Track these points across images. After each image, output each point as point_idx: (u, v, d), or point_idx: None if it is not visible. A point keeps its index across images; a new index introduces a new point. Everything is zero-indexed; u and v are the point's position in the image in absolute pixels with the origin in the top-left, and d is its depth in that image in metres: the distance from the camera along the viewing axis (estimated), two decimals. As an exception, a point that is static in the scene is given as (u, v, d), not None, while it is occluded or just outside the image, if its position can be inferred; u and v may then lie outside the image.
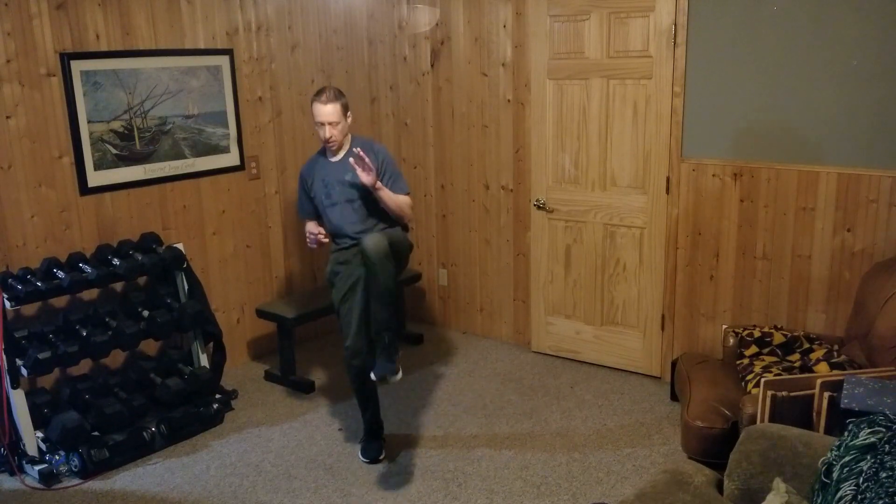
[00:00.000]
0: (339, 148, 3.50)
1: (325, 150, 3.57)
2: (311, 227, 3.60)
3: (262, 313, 4.44)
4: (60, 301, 3.75)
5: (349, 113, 3.48)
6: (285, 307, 4.43)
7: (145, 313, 3.80)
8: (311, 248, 3.65)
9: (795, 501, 2.04)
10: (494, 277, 4.90)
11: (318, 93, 3.42)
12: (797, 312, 3.78)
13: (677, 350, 4.19)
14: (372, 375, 3.28)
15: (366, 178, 3.31)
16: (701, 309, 4.09)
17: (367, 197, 3.44)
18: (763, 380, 2.71)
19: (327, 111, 3.37)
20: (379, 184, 3.36)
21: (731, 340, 3.56)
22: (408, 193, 3.56)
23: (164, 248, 3.97)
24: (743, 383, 3.25)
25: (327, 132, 3.40)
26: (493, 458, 3.54)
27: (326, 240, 3.53)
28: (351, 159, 3.34)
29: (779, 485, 2.10)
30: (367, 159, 3.29)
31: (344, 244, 3.53)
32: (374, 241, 3.19)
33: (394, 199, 3.44)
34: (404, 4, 4.89)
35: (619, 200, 4.25)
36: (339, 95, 3.42)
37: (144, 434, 3.61)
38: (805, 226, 3.68)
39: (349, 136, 3.54)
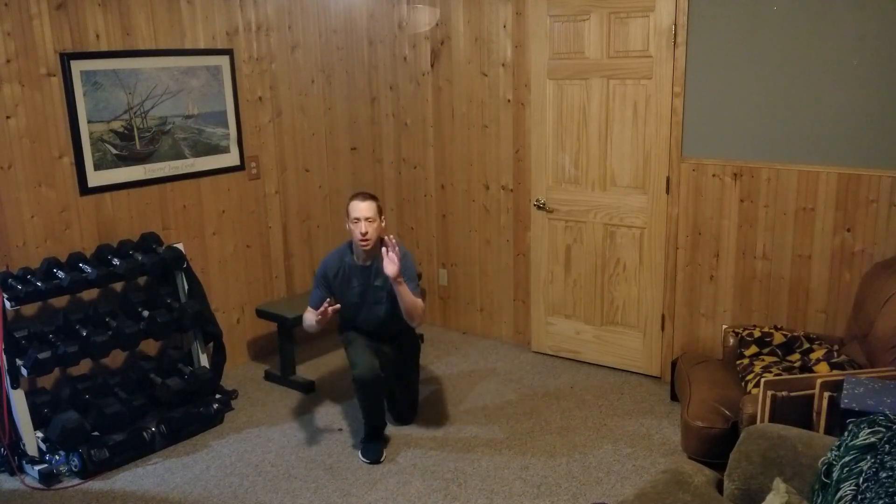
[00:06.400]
0: (371, 250, 3.56)
1: (348, 252, 3.66)
2: (312, 313, 3.53)
3: (262, 313, 4.44)
4: (60, 301, 3.74)
5: (384, 217, 3.61)
6: (285, 307, 4.43)
7: (145, 313, 3.80)
8: (311, 327, 3.59)
9: (795, 501, 2.04)
10: (494, 277, 4.90)
11: (354, 195, 3.61)
12: (797, 312, 3.78)
13: (677, 350, 4.19)
14: (362, 458, 3.54)
15: (391, 268, 3.40)
16: (701, 309, 4.09)
17: (392, 301, 3.58)
18: (763, 380, 2.71)
19: (364, 207, 3.50)
20: (400, 278, 3.46)
21: (731, 340, 3.56)
22: (420, 298, 3.64)
23: (164, 248, 3.97)
24: (743, 383, 3.25)
25: (363, 227, 3.49)
26: (493, 458, 3.54)
27: (335, 307, 3.49)
28: (383, 249, 3.44)
29: (779, 485, 2.10)
30: (397, 249, 3.41)
31: (360, 330, 3.74)
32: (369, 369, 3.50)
33: (411, 296, 3.52)
34: (404, 4, 4.88)
35: (619, 200, 4.25)
36: (374, 197, 3.59)
37: (144, 434, 3.61)
38: (805, 226, 3.68)
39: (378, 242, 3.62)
